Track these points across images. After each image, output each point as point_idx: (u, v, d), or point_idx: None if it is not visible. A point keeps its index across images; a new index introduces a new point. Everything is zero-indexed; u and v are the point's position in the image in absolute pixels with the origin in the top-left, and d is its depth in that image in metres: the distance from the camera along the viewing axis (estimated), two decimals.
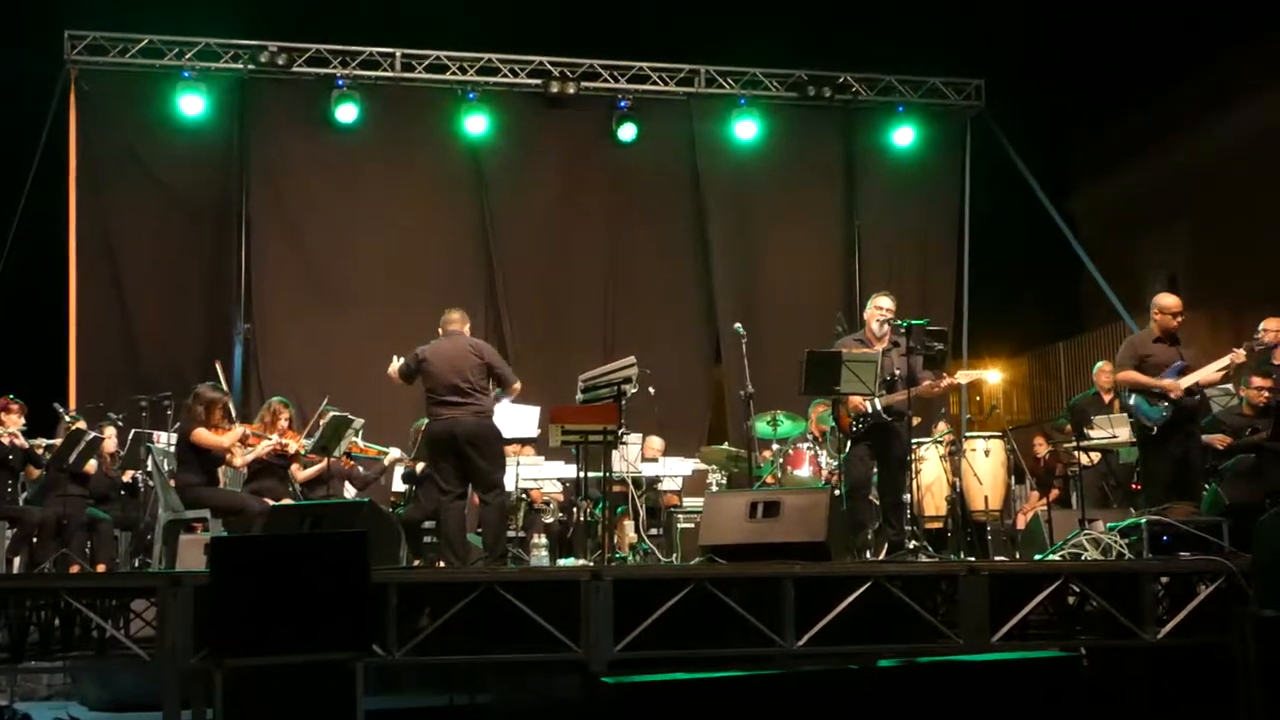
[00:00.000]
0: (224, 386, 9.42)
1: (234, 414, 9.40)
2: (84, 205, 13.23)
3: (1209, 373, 9.02)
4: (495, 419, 8.93)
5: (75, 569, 9.19)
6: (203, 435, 8.86)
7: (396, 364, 8.99)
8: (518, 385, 9.02)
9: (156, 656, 6.66)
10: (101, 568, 9.52)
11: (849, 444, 8.92)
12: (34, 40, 13.32)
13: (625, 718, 6.21)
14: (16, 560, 9.50)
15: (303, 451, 9.77)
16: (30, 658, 7.33)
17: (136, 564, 9.87)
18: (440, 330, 9.01)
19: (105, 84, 13.40)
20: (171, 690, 6.58)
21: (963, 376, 9.56)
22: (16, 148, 12.87)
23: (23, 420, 9.67)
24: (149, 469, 10.07)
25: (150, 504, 9.99)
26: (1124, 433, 9.88)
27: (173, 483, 9.09)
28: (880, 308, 9.05)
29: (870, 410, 8.73)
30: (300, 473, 10.12)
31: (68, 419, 10.38)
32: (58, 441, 9.85)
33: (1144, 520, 7.92)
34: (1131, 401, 9.05)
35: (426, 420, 8.91)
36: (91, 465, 9.92)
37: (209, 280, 13.56)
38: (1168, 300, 9.23)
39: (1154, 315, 9.20)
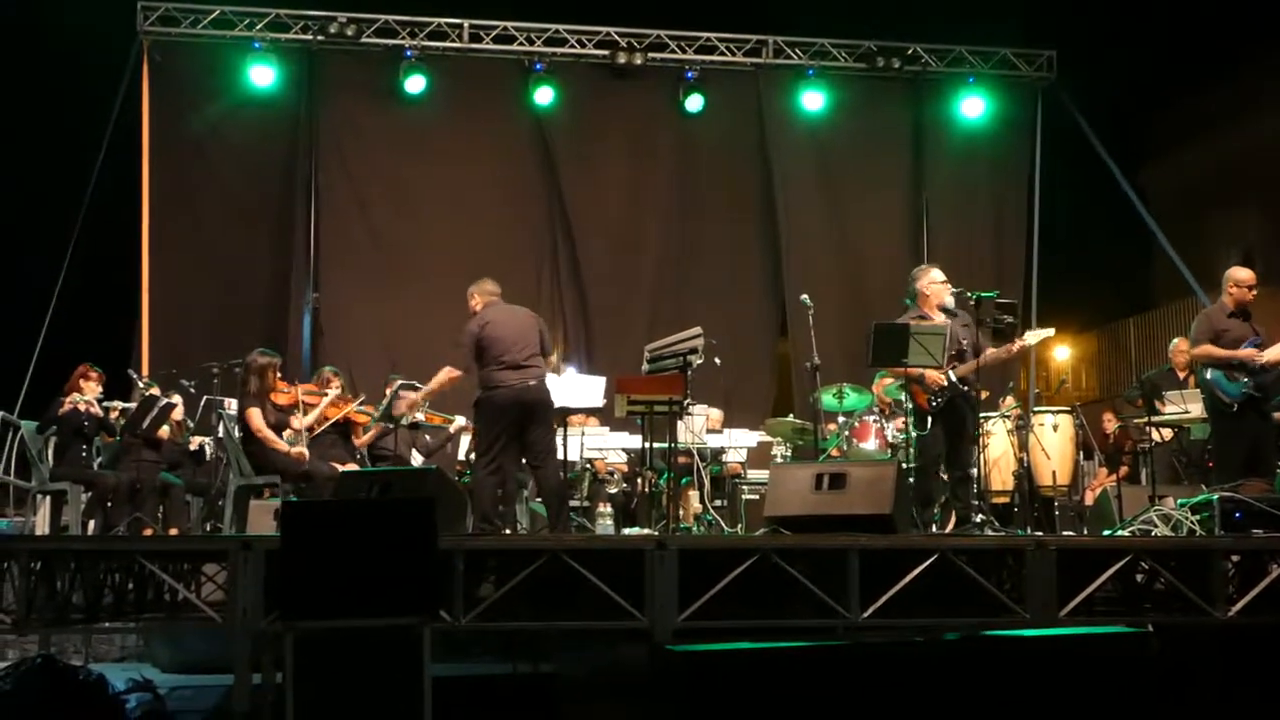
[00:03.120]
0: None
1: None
2: (156, 175, 13.39)
3: None
4: (559, 389, 8.95)
5: (148, 533, 9.32)
6: (256, 422, 9.04)
7: (445, 373, 8.73)
8: (554, 359, 9.01)
9: (227, 619, 6.73)
10: (174, 532, 9.66)
11: (928, 421, 8.71)
12: (107, 12, 13.47)
13: (689, 686, 6.24)
14: (91, 524, 9.67)
15: (368, 421, 9.90)
16: (104, 619, 7.46)
17: (208, 528, 10.01)
18: (482, 301, 8.74)
19: (177, 55, 13.55)
20: (242, 652, 6.66)
21: (1031, 337, 9.22)
22: (90, 119, 13.07)
23: (100, 388, 9.82)
24: (220, 435, 10.22)
25: (221, 470, 10.13)
26: (1196, 409, 9.74)
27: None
28: (945, 282, 8.90)
29: (948, 383, 8.62)
30: (360, 438, 10.21)
31: (141, 385, 10.56)
32: (132, 406, 10.02)
33: (1216, 497, 7.80)
34: (1209, 377, 8.83)
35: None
36: (165, 431, 10.07)
37: (278, 250, 13.72)
38: (1242, 274, 9.06)
39: (1228, 289, 9.02)
